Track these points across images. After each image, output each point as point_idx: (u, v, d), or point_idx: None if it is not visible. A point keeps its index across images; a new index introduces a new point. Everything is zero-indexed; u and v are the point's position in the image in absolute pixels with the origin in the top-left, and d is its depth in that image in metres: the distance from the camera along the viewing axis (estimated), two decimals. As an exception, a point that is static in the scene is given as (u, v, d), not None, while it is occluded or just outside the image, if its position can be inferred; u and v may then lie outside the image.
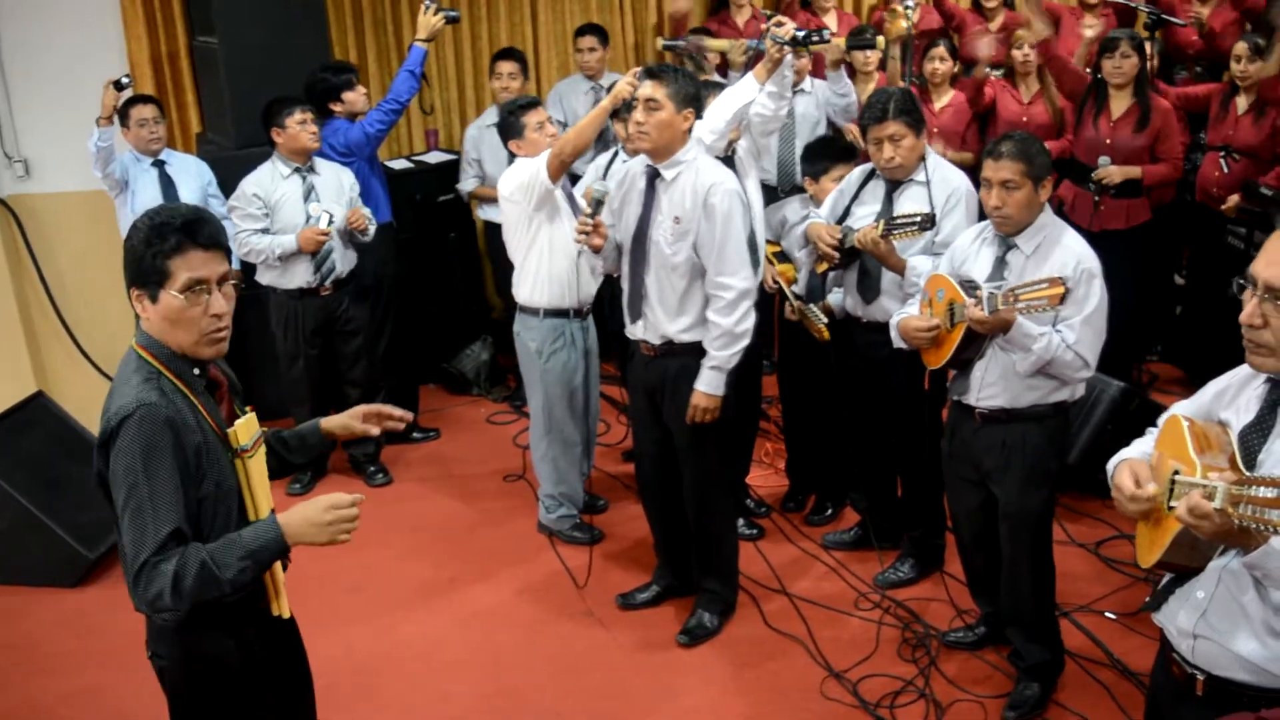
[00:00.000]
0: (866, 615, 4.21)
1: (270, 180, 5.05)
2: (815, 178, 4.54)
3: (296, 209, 5.04)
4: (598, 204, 3.91)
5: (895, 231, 3.79)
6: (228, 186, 5.33)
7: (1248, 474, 1.96)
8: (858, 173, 4.18)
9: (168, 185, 5.41)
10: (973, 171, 3.98)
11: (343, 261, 5.18)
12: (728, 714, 3.76)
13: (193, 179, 5.50)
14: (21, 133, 6.09)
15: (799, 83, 5.54)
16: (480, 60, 6.67)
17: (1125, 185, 5.30)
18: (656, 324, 3.91)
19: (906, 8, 5.37)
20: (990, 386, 3.45)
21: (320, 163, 5.16)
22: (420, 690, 3.95)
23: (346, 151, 5.36)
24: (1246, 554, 1.96)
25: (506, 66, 5.90)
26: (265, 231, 5.02)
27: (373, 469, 5.48)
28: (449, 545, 4.89)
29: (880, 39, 5.64)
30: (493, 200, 5.42)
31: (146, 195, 5.35)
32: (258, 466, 2.44)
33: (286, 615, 2.50)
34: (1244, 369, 2.16)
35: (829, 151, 4.60)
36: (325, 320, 5.21)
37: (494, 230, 5.50)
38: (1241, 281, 2.02)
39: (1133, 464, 2.25)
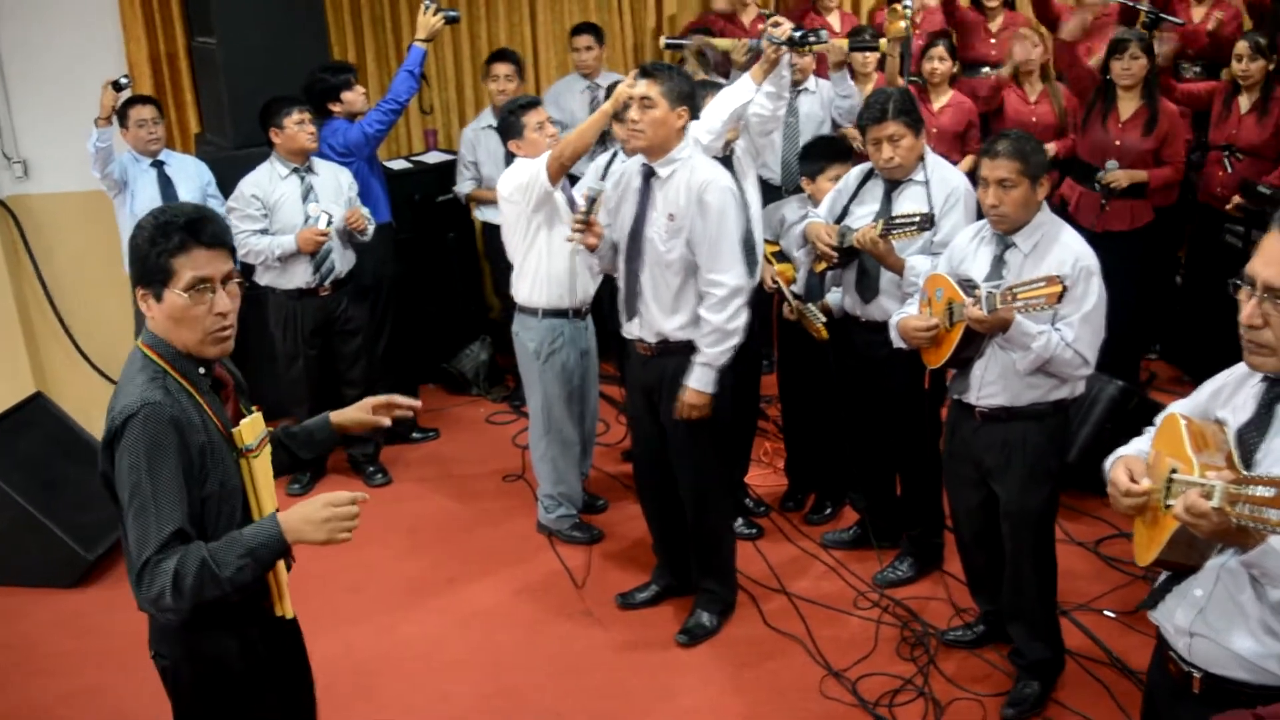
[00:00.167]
0: (865, 614, 4.21)
1: (269, 181, 5.06)
2: (812, 177, 4.54)
3: (295, 209, 5.04)
4: (591, 203, 3.92)
5: (894, 231, 3.80)
6: (226, 187, 5.33)
7: (1245, 473, 1.95)
8: (856, 172, 4.18)
9: (166, 186, 5.40)
10: (973, 172, 3.98)
11: (342, 262, 5.18)
12: (727, 713, 3.76)
13: (192, 179, 5.50)
14: (20, 133, 6.09)
15: (803, 82, 5.54)
16: (479, 60, 6.66)
17: (1132, 188, 5.29)
18: (652, 321, 3.91)
19: (905, 7, 5.37)
20: (990, 385, 3.45)
21: (318, 163, 5.16)
22: (419, 690, 3.95)
23: (345, 152, 5.36)
24: (1244, 553, 1.96)
25: (502, 68, 5.89)
26: (264, 232, 5.02)
27: (372, 469, 5.48)
28: (448, 545, 4.90)
29: (882, 41, 5.64)
30: (490, 202, 5.42)
31: (145, 196, 5.34)
32: (263, 466, 2.44)
33: (290, 615, 2.50)
34: (1240, 367, 2.16)
35: (825, 151, 4.61)
36: (324, 320, 5.21)
37: (492, 231, 5.50)
38: (1237, 281, 2.01)
39: (1128, 460, 2.25)
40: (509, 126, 4.53)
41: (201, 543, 2.21)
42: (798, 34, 4.01)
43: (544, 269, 4.49)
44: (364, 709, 3.84)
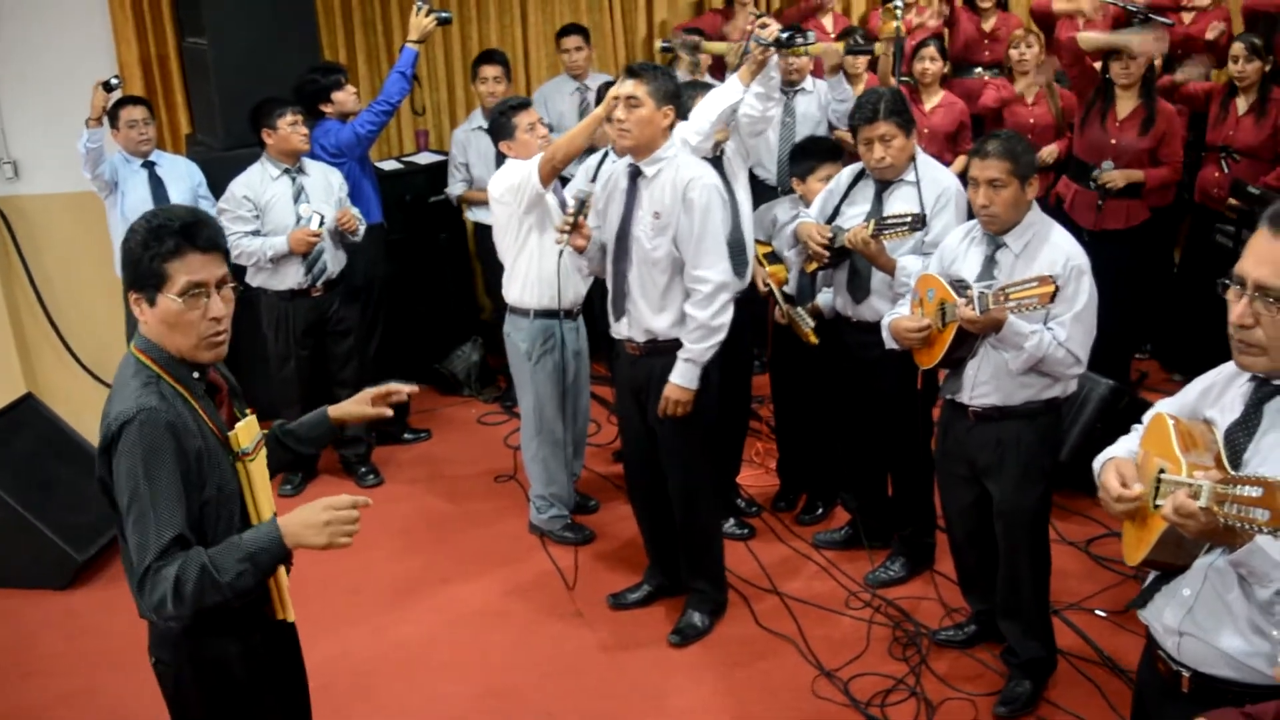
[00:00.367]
0: (857, 614, 4.22)
1: (260, 182, 5.05)
2: (802, 177, 4.55)
3: (287, 210, 5.04)
4: (581, 205, 3.94)
5: (886, 231, 3.81)
6: (216, 188, 5.33)
7: (1233, 473, 1.96)
8: (847, 172, 4.19)
9: (157, 186, 5.40)
10: (964, 172, 3.99)
11: (333, 262, 5.18)
12: (719, 713, 3.76)
13: (183, 180, 5.49)
14: (10, 134, 6.07)
15: (800, 82, 5.55)
16: (469, 62, 6.65)
17: (1127, 186, 5.30)
18: (640, 319, 3.92)
19: (896, 8, 5.38)
20: (983, 385, 3.46)
21: (309, 163, 5.16)
22: (413, 691, 3.95)
23: (337, 152, 5.35)
24: (1232, 552, 1.97)
25: (491, 70, 5.89)
26: (256, 233, 5.01)
27: (364, 470, 5.48)
28: (440, 546, 4.89)
29: (877, 45, 5.66)
30: (482, 203, 5.42)
31: (136, 196, 5.34)
32: (259, 470, 2.42)
33: (291, 620, 2.49)
34: (1228, 366, 2.16)
35: (815, 151, 4.62)
36: (316, 321, 5.21)
37: (484, 232, 5.50)
38: (1226, 281, 2.01)
39: (1119, 463, 2.25)
40: (500, 128, 4.53)
41: (201, 549, 2.20)
42: (784, 35, 4.02)
43: (535, 270, 4.49)
44: (359, 710, 3.84)
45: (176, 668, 2.41)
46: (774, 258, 4.63)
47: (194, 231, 2.24)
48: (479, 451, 5.75)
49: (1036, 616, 3.67)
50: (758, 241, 4.65)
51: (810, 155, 4.59)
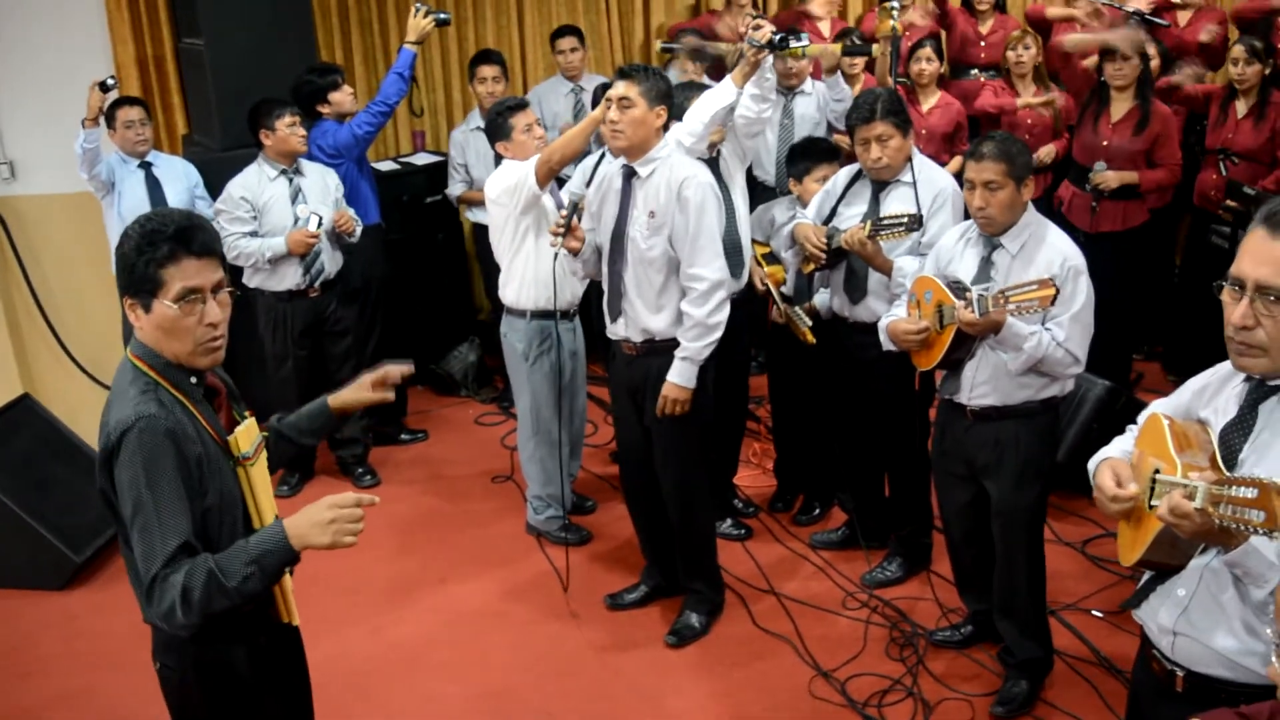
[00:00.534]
0: (854, 615, 4.22)
1: (257, 183, 5.05)
2: (799, 178, 4.56)
3: (284, 211, 5.04)
4: (574, 207, 3.95)
5: (883, 232, 3.81)
6: (213, 188, 5.33)
7: (1228, 474, 1.96)
8: (844, 173, 4.19)
9: (154, 187, 5.39)
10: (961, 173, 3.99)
11: (331, 263, 5.18)
12: (716, 714, 3.77)
13: (180, 181, 5.48)
14: (7, 134, 6.06)
15: (799, 84, 5.55)
16: (466, 62, 6.65)
17: (1123, 189, 5.30)
18: (636, 319, 3.93)
19: (892, 8, 5.38)
20: (981, 386, 3.46)
21: (306, 164, 5.16)
22: (410, 691, 3.95)
23: (335, 153, 5.35)
24: (1227, 553, 1.97)
25: (489, 70, 5.89)
26: (254, 234, 5.01)
27: (360, 470, 5.48)
28: (437, 546, 4.90)
29: (875, 45, 5.65)
30: (481, 203, 5.41)
31: (133, 197, 5.33)
32: (260, 474, 2.41)
33: (296, 622, 2.48)
34: (1224, 367, 2.16)
35: (812, 152, 4.62)
36: (314, 321, 5.21)
37: (483, 232, 5.49)
38: (1222, 283, 2.00)
39: (1114, 463, 2.26)
40: (497, 128, 4.53)
41: (208, 555, 2.18)
42: (778, 38, 4.02)
43: (532, 271, 4.50)
44: (356, 709, 3.84)
45: (182, 672, 2.39)
46: (772, 258, 4.63)
47: (188, 236, 2.21)
48: (476, 452, 5.75)
49: (1032, 617, 3.68)
50: (756, 242, 4.65)
51: (807, 156, 4.59)
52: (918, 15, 6.24)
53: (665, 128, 3.85)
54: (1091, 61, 5.60)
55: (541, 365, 4.59)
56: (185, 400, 2.27)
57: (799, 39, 4.14)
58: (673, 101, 3.89)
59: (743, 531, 4.79)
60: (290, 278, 5.09)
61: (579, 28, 6.52)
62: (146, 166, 5.42)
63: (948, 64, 6.29)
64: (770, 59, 4.07)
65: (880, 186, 4.02)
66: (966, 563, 3.88)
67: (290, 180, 5.08)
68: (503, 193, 4.43)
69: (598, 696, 3.89)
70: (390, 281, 5.82)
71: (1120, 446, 2.36)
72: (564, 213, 3.97)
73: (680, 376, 3.84)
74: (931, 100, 5.86)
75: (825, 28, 6.48)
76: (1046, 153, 5.70)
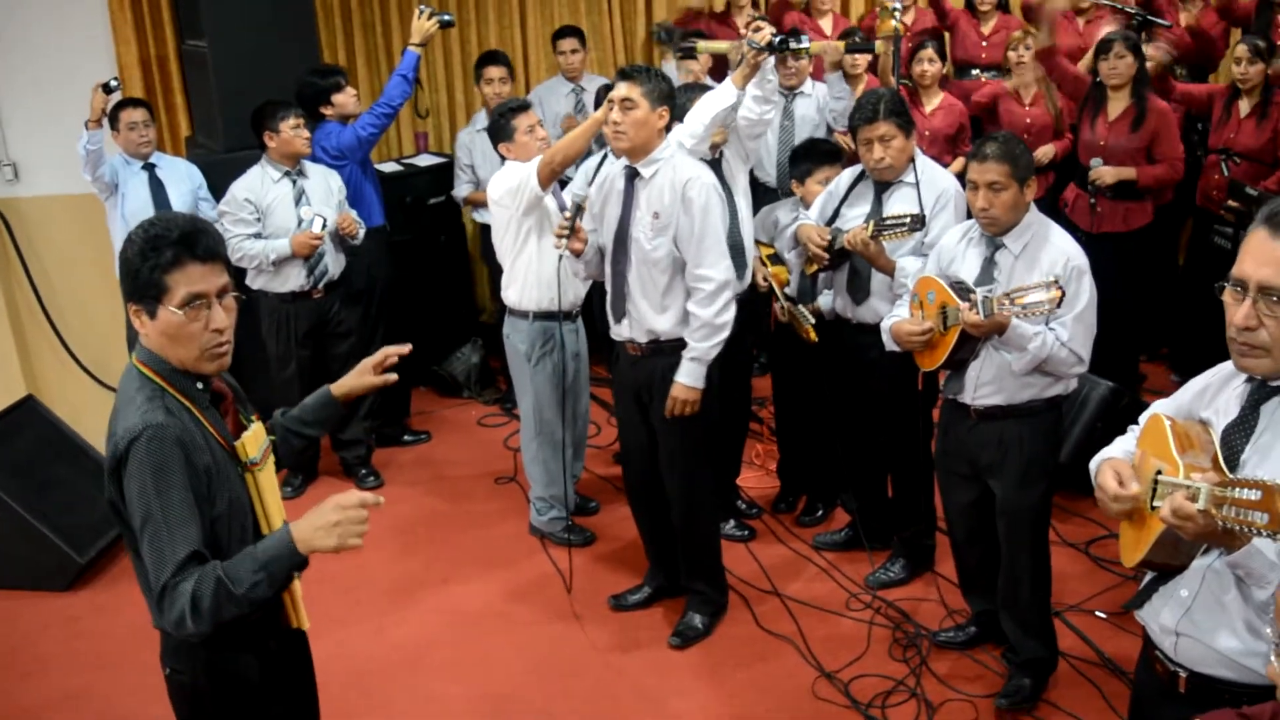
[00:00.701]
0: (858, 616, 4.22)
1: (261, 184, 5.05)
2: (801, 180, 4.56)
3: (288, 213, 5.04)
4: (577, 209, 3.95)
5: (885, 232, 3.81)
6: (216, 190, 5.33)
7: (1231, 475, 1.96)
8: (847, 174, 4.19)
9: (158, 188, 5.39)
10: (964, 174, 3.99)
11: (334, 264, 5.19)
12: (719, 715, 3.77)
13: (183, 182, 5.49)
14: (10, 136, 6.08)
15: (799, 85, 5.55)
16: (469, 64, 6.66)
17: (1123, 187, 5.29)
18: (641, 319, 3.93)
19: (894, 9, 5.38)
20: (986, 386, 3.46)
21: (309, 166, 5.16)
22: (412, 692, 3.95)
23: (338, 155, 5.35)
24: (1229, 554, 1.97)
25: (496, 71, 5.89)
26: (257, 236, 5.02)
27: (363, 472, 5.48)
28: (440, 547, 4.90)
29: (878, 43, 5.65)
30: (485, 204, 5.42)
31: (136, 198, 5.34)
32: (268, 479, 2.40)
33: (306, 627, 2.48)
34: (1225, 367, 2.16)
35: (814, 153, 4.62)
36: (317, 323, 5.22)
37: (488, 233, 5.50)
38: (1224, 284, 1.99)
39: (1116, 464, 2.25)
40: (499, 130, 4.53)
41: (217, 562, 2.16)
42: (777, 39, 4.02)
43: (534, 272, 4.50)
44: (358, 710, 3.84)
45: (192, 677, 2.38)
46: (777, 260, 4.63)
47: (193, 241, 2.19)
48: (479, 453, 5.75)
49: (1036, 616, 3.68)
50: (760, 243, 4.65)
51: (809, 158, 4.59)
52: (909, 14, 6.25)
53: (667, 129, 3.85)
54: (1085, 62, 5.60)
55: (544, 366, 4.59)
56: (192, 407, 2.26)
57: (799, 40, 4.14)
58: (675, 102, 3.89)
59: (746, 533, 4.79)
60: (294, 279, 5.10)
61: (580, 28, 6.52)
62: (150, 168, 5.43)
63: (950, 65, 6.28)
64: (771, 60, 4.07)
65: (883, 187, 4.02)
66: (970, 563, 3.88)
67: (294, 182, 5.08)
68: (505, 194, 4.43)
69: (600, 697, 3.89)
70: (393, 283, 5.82)
71: (1122, 446, 2.36)
72: (568, 214, 3.97)
73: (689, 377, 3.84)
74: (934, 101, 5.85)
75: (827, 26, 6.48)
76: (1044, 153, 5.69)
